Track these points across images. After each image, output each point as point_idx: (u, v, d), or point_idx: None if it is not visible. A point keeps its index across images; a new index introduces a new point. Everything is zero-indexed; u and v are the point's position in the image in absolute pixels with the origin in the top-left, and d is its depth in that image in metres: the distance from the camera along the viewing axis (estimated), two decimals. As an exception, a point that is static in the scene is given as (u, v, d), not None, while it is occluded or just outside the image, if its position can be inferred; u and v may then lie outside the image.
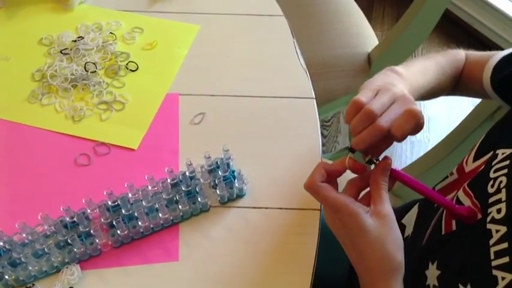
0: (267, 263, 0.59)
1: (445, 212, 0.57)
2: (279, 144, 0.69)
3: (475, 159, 0.58)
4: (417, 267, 0.57)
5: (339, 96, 1.26)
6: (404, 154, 1.73)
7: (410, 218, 0.68)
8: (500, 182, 0.49)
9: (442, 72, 0.66)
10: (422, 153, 1.71)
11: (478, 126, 0.88)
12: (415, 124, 0.49)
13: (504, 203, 0.47)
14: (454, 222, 0.54)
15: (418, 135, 1.78)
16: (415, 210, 0.69)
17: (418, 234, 0.61)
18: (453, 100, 1.85)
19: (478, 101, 1.93)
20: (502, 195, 0.48)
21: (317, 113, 0.73)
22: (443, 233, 0.56)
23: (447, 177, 0.63)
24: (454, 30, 2.03)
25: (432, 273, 0.54)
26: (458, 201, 0.54)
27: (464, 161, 0.59)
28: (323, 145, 1.74)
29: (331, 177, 0.52)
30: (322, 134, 1.85)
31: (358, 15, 1.36)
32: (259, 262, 0.59)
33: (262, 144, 0.68)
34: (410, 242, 0.64)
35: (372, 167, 0.53)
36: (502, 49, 0.64)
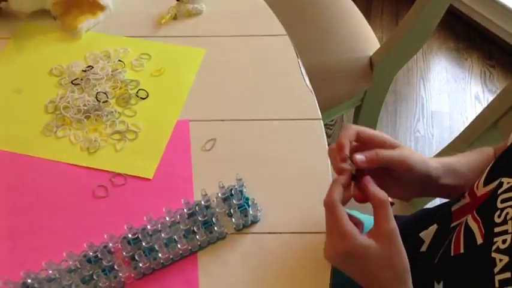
0: (283, 285, 0.61)
1: (455, 234, 0.59)
2: (288, 167, 0.71)
3: (485, 184, 0.59)
4: (424, 285, 0.59)
5: (342, 101, 1.28)
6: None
7: (428, 234, 0.70)
8: (507, 213, 0.51)
9: (469, 157, 0.68)
10: (426, 149, 1.74)
11: (486, 130, 0.89)
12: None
13: (510, 235, 0.49)
14: (462, 245, 0.56)
15: (421, 130, 1.81)
16: (434, 227, 0.70)
17: (432, 253, 0.63)
18: (456, 94, 1.86)
19: (481, 97, 1.93)
20: (509, 226, 0.50)
21: (324, 134, 0.75)
22: (452, 254, 0.58)
23: (460, 199, 0.65)
24: (455, 23, 2.03)
25: None
26: (467, 226, 0.57)
27: (476, 185, 0.61)
28: (328, 144, 1.76)
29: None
30: (326, 133, 1.87)
31: (358, 18, 1.37)
32: (275, 285, 0.61)
33: (273, 169, 0.71)
34: (423, 258, 0.66)
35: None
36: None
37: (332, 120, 1.79)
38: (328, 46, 1.28)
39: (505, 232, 0.50)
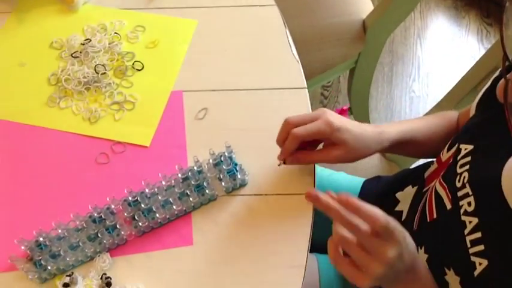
0: (267, 242, 0.68)
1: (427, 199, 0.65)
2: (274, 134, 0.76)
3: (448, 149, 0.65)
4: None
5: (336, 64, 1.31)
6: (404, 110, 1.79)
7: (405, 197, 0.75)
8: (464, 177, 0.56)
9: (427, 123, 0.73)
10: (421, 109, 1.78)
11: (478, 84, 0.93)
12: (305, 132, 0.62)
13: (472, 197, 0.54)
14: (434, 210, 0.62)
15: (416, 90, 1.84)
16: (410, 191, 0.75)
17: (411, 219, 0.69)
18: (452, 53, 1.88)
19: (477, 55, 1.96)
20: (468, 189, 0.55)
21: (309, 103, 0.79)
22: (428, 220, 0.63)
23: (430, 165, 0.70)
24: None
25: (421, 257, 0.62)
26: (436, 192, 0.62)
27: (442, 151, 0.66)
28: (324, 106, 1.81)
29: None
30: (323, 94, 1.90)
31: (353, -19, 1.38)
32: (261, 242, 0.68)
33: (260, 136, 0.76)
34: (406, 226, 0.71)
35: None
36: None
37: (328, 82, 1.82)
38: (321, 9, 1.30)
39: (467, 195, 0.55)
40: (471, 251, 0.53)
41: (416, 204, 0.70)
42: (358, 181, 0.94)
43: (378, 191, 0.85)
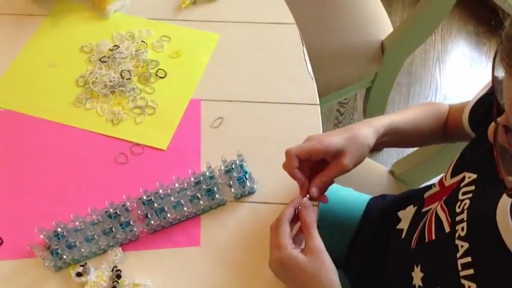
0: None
1: (428, 220, 0.67)
2: (285, 146, 0.79)
3: (452, 175, 0.67)
4: (406, 268, 0.67)
5: (352, 82, 1.34)
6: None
7: (406, 216, 0.77)
8: (465, 204, 0.58)
9: (416, 115, 0.75)
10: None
11: None
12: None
13: (465, 223, 0.57)
14: (433, 232, 0.64)
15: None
16: (411, 210, 0.77)
17: (410, 238, 0.71)
18: (469, 80, 1.90)
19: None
20: (465, 215, 0.58)
21: (320, 119, 0.83)
22: (426, 240, 0.65)
23: (432, 187, 0.73)
24: (476, 6, 2.03)
25: (417, 275, 0.64)
26: (437, 215, 0.64)
27: (444, 176, 0.69)
28: (339, 122, 1.83)
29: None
30: (338, 111, 1.93)
31: (373, 2, 1.41)
32: (266, 247, 0.71)
33: (271, 147, 0.80)
34: (404, 244, 0.72)
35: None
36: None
37: (345, 99, 1.85)
38: (341, 28, 1.33)
39: (462, 220, 0.58)
40: (461, 274, 0.55)
41: (415, 224, 0.72)
42: (364, 198, 0.96)
43: (382, 209, 0.87)
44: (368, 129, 0.68)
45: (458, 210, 0.60)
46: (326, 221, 0.85)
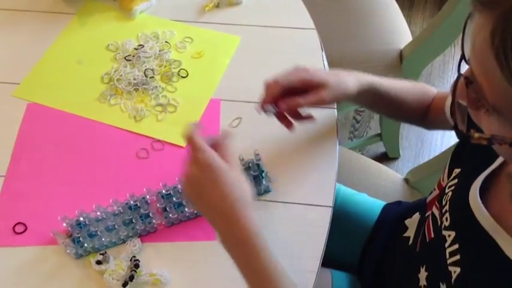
0: (284, 246, 0.73)
1: (427, 222, 0.69)
2: (301, 148, 0.82)
3: (448, 176, 0.68)
4: (412, 272, 0.68)
5: (369, 90, 1.35)
6: (435, 142, 1.80)
7: (412, 224, 0.79)
8: (448, 196, 0.61)
9: (402, 87, 0.79)
10: (452, 142, 1.79)
11: None
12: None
13: (448, 213, 0.59)
14: (432, 230, 0.66)
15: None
16: (417, 217, 0.79)
17: (415, 243, 0.73)
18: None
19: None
20: (447, 206, 0.60)
21: (336, 122, 0.85)
22: (427, 240, 0.67)
23: (433, 191, 0.74)
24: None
25: (422, 275, 0.66)
26: (433, 214, 0.66)
27: (441, 178, 0.70)
28: (355, 130, 1.85)
29: None
30: (355, 118, 1.94)
31: (394, 11, 1.43)
32: (278, 245, 0.73)
33: (287, 148, 0.82)
34: (411, 250, 0.74)
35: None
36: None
37: (362, 107, 1.86)
38: (361, 35, 1.35)
39: (446, 212, 0.60)
40: (449, 261, 0.57)
41: (419, 229, 0.74)
42: (379, 204, 0.97)
43: (396, 215, 0.88)
44: (353, 79, 0.74)
45: (443, 202, 0.63)
46: (340, 225, 0.87)
